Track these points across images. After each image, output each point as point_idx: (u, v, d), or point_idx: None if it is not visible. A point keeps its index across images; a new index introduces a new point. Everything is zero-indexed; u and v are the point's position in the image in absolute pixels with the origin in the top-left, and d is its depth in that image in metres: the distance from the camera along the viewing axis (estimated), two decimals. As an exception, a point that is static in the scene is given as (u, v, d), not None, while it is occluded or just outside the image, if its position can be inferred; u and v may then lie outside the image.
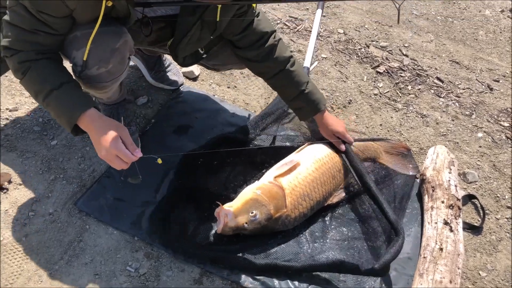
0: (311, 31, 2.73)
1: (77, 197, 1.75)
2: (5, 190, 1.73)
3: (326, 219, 1.81)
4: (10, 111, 2.00)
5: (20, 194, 1.74)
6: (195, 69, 2.30)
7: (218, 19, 1.57)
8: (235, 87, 2.31)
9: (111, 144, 1.32)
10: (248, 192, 1.63)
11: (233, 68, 2.13)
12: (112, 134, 1.33)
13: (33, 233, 1.65)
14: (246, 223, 1.58)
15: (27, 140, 1.91)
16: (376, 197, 1.75)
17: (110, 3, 1.33)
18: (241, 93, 2.28)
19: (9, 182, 1.76)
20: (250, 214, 1.58)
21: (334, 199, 1.83)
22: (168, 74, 2.21)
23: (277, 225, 1.65)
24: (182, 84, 2.23)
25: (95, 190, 1.76)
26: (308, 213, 1.73)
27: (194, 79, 2.31)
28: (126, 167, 1.37)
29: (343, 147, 1.87)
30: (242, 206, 1.59)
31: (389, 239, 1.68)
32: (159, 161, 1.45)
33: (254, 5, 1.67)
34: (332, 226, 1.79)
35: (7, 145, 1.88)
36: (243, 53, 1.79)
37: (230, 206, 1.58)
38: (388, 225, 1.70)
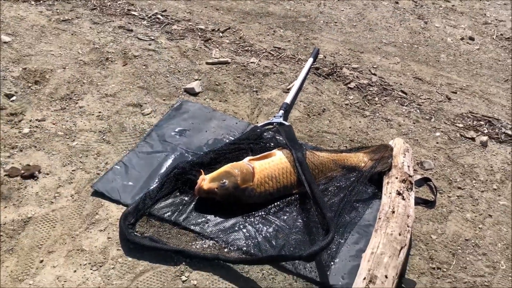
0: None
1: (94, 182, 2.13)
2: (36, 178, 2.13)
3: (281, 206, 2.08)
4: (39, 121, 2.43)
5: (47, 181, 2.13)
6: (197, 86, 2.75)
7: None
8: (226, 101, 2.74)
9: None
10: (225, 167, 2.05)
11: None
12: None
13: (58, 209, 2.02)
14: (216, 188, 1.96)
15: (52, 142, 2.32)
16: (317, 199, 1.94)
17: None
18: (231, 105, 2.71)
19: (39, 172, 2.15)
20: (221, 181, 1.96)
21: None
22: None
23: (244, 196, 2.01)
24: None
25: (109, 175, 2.15)
26: (274, 193, 2.06)
27: (195, 94, 2.74)
28: None
29: None
30: (216, 175, 2.01)
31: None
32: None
33: None
34: (285, 216, 2.03)
35: (37, 145, 2.29)
36: None
37: (207, 175, 2.01)
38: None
